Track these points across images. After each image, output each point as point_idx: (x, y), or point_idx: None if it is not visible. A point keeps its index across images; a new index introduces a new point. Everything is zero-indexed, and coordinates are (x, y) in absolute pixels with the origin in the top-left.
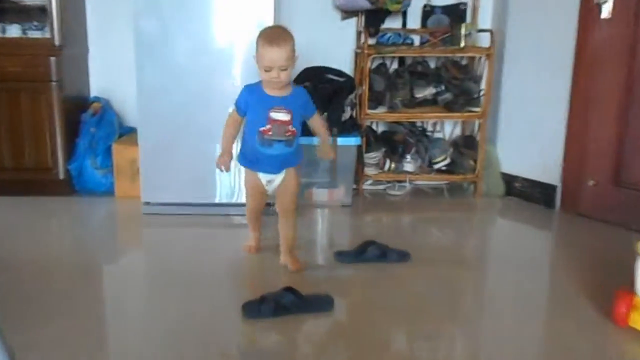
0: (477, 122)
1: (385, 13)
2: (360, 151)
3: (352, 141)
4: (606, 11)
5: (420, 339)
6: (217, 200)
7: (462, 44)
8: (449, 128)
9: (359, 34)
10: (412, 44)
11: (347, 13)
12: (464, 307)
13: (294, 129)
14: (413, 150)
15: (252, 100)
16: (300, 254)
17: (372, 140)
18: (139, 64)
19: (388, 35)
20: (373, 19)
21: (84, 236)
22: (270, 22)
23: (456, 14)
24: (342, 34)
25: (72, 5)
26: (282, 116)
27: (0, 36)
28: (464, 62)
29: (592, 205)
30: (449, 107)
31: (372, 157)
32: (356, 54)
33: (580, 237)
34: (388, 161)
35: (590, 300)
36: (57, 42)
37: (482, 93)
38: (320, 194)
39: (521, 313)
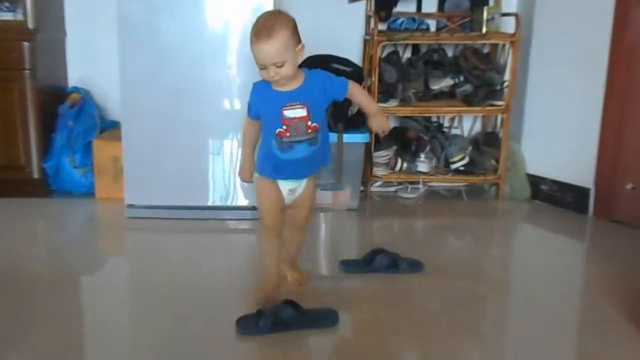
0: (499, 117)
1: None
2: (368, 149)
3: (360, 138)
4: None
5: None
6: (210, 203)
7: (484, 30)
8: (468, 124)
9: (368, 18)
10: (427, 29)
11: None
12: (483, 324)
13: (315, 124)
14: (428, 148)
15: (262, 100)
16: (301, 263)
17: (382, 137)
18: (123, 50)
19: (401, 20)
20: (384, 1)
21: (61, 243)
22: (268, 4)
23: None
24: (349, 18)
25: None
26: (297, 112)
27: None
28: (485, 50)
29: (629, 211)
30: (469, 100)
31: (381, 155)
32: (365, 41)
33: (615, 247)
34: (400, 160)
35: (627, 318)
36: (30, 25)
37: (505, 85)
38: (324, 197)
39: (549, 333)
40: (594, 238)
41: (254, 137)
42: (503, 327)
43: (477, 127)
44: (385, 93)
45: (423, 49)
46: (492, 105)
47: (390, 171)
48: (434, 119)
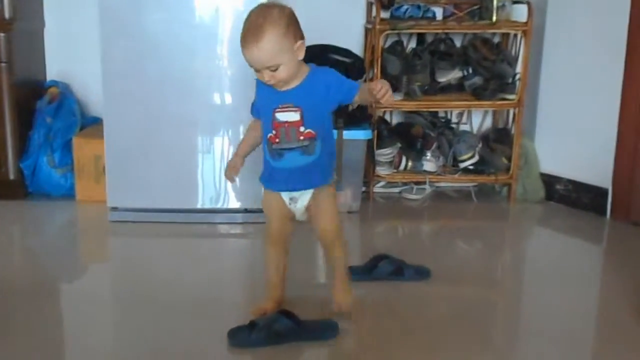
0: (511, 112)
1: None
2: (370, 147)
3: (361, 135)
4: None
5: None
6: (199, 206)
7: (494, 18)
8: (477, 119)
9: (369, 5)
10: (433, 17)
11: None
12: (495, 334)
13: (308, 130)
14: (434, 145)
15: (262, 98)
16: (298, 270)
17: (385, 133)
18: (105, 40)
19: (405, 7)
20: None
21: (39, 249)
22: None
23: None
24: (349, 5)
25: None
26: (289, 116)
27: None
28: (496, 39)
29: None
30: (478, 94)
31: (385, 154)
32: (366, 30)
33: (635, 250)
34: (404, 159)
35: None
36: (7, 14)
37: (517, 77)
38: None
39: (566, 344)
40: (612, 241)
41: (253, 135)
42: (516, 338)
43: (488, 123)
44: None
45: (429, 39)
46: (503, 99)
47: (394, 170)
48: (441, 114)
